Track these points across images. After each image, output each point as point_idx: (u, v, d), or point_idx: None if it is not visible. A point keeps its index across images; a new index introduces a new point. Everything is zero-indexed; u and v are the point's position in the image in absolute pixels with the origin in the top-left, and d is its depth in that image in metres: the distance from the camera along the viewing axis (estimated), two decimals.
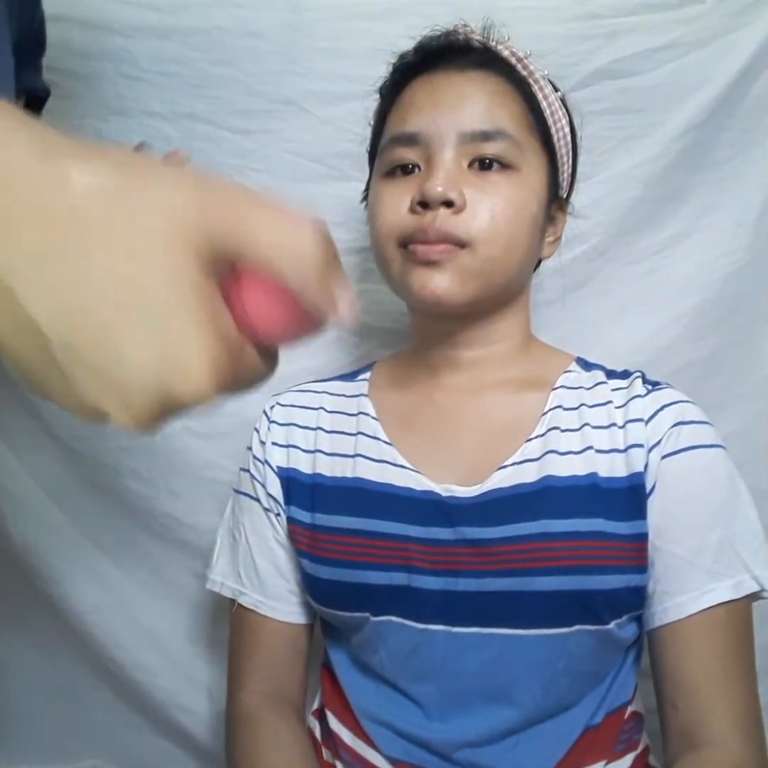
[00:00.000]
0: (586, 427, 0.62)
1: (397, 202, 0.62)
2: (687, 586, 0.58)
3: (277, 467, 0.69)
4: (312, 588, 0.66)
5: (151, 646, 0.90)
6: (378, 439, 0.67)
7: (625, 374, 0.67)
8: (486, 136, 0.60)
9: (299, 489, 0.68)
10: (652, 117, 0.85)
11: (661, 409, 0.62)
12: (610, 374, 0.67)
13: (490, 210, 0.59)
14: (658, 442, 0.60)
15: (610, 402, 0.64)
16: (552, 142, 0.65)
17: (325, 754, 0.67)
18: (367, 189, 0.71)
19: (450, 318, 0.65)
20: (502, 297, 0.65)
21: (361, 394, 0.72)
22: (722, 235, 0.86)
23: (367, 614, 0.62)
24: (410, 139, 0.62)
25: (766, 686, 0.61)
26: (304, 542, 0.66)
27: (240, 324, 0.28)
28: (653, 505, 0.59)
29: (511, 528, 0.59)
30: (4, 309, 0.25)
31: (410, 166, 0.63)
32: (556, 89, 0.67)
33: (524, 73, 0.65)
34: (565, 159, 0.68)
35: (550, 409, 0.64)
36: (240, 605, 0.69)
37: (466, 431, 0.65)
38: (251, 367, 0.29)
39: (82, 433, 0.86)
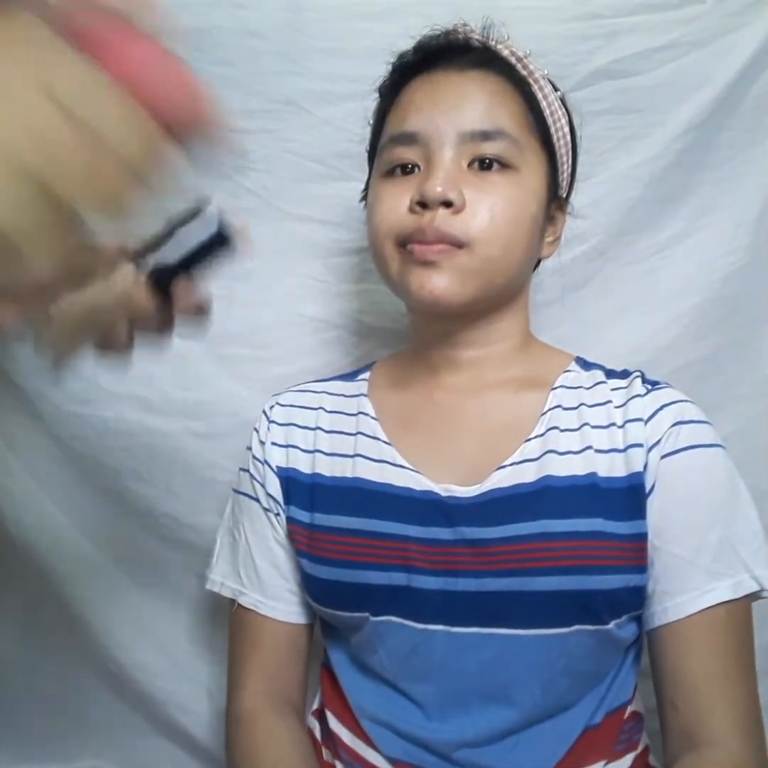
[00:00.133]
0: (586, 427, 0.62)
1: (396, 202, 0.62)
2: (687, 585, 0.58)
3: (277, 467, 0.69)
4: (311, 588, 0.66)
5: (151, 646, 0.90)
6: (377, 439, 0.67)
7: (624, 374, 0.67)
8: (485, 136, 0.60)
9: (299, 489, 0.68)
10: (652, 117, 0.85)
11: (661, 408, 0.62)
12: (610, 374, 0.67)
13: (489, 210, 0.59)
14: (658, 442, 0.60)
15: (609, 401, 0.64)
16: (552, 142, 0.65)
17: (325, 754, 0.67)
18: (366, 189, 0.71)
19: (449, 318, 0.65)
20: (501, 297, 0.65)
21: (361, 394, 0.72)
22: (722, 235, 0.86)
23: (367, 614, 0.62)
24: (410, 139, 0.62)
25: (766, 686, 0.61)
26: (304, 542, 0.66)
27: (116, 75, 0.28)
28: (653, 505, 0.59)
29: (510, 528, 0.59)
30: None
31: (409, 166, 0.63)
32: (555, 89, 0.67)
33: (524, 72, 0.65)
34: (564, 159, 0.68)
35: (549, 409, 0.64)
36: (240, 605, 0.69)
37: (466, 431, 0.65)
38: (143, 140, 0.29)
39: (82, 433, 0.86)
